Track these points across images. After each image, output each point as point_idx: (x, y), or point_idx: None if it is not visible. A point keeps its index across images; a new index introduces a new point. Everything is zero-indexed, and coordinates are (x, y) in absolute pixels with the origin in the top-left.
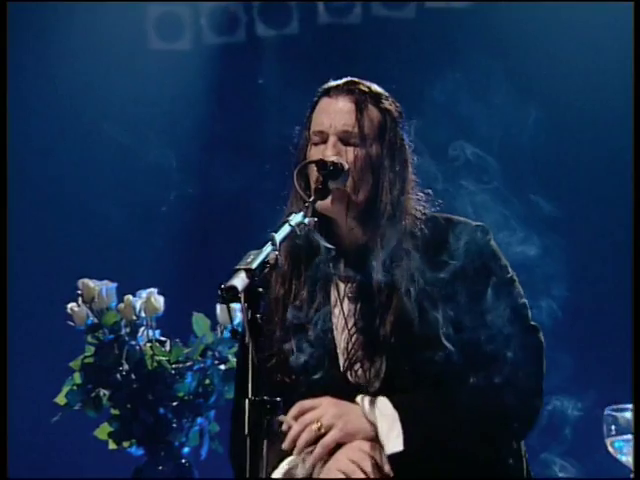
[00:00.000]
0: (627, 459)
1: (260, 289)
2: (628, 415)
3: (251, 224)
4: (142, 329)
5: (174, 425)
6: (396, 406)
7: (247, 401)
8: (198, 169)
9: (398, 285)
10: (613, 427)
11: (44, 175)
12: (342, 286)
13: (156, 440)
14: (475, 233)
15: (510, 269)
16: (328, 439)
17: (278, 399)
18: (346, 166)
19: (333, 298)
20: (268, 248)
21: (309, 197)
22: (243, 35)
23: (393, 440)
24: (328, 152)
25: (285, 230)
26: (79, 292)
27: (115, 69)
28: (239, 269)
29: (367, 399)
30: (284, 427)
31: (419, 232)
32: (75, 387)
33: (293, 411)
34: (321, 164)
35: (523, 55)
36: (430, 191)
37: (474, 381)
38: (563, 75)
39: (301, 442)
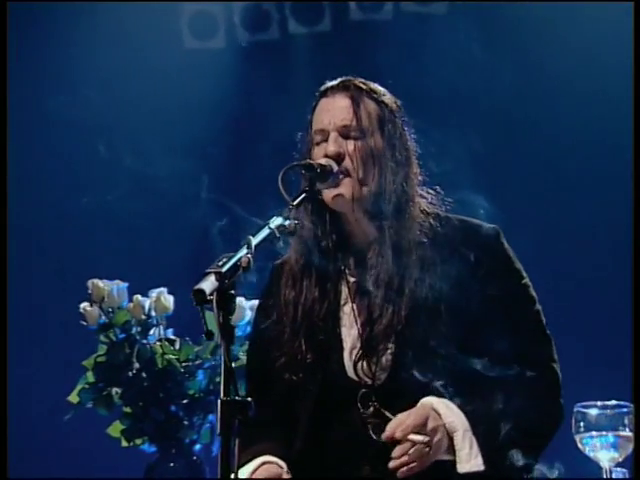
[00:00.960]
0: (595, 455)
1: (232, 292)
2: (594, 412)
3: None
4: (154, 328)
5: (185, 422)
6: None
7: (219, 402)
8: (225, 168)
9: (408, 281)
10: (582, 424)
11: (59, 174)
12: (353, 283)
13: (167, 437)
14: (489, 236)
15: (524, 273)
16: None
17: (249, 399)
18: (335, 168)
19: (344, 295)
20: (243, 251)
21: (293, 200)
22: (276, 33)
23: (474, 458)
24: (330, 147)
25: (263, 233)
26: (89, 292)
27: (151, 69)
28: (209, 272)
29: (445, 408)
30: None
31: (431, 230)
32: (87, 385)
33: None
34: (308, 167)
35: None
36: (439, 188)
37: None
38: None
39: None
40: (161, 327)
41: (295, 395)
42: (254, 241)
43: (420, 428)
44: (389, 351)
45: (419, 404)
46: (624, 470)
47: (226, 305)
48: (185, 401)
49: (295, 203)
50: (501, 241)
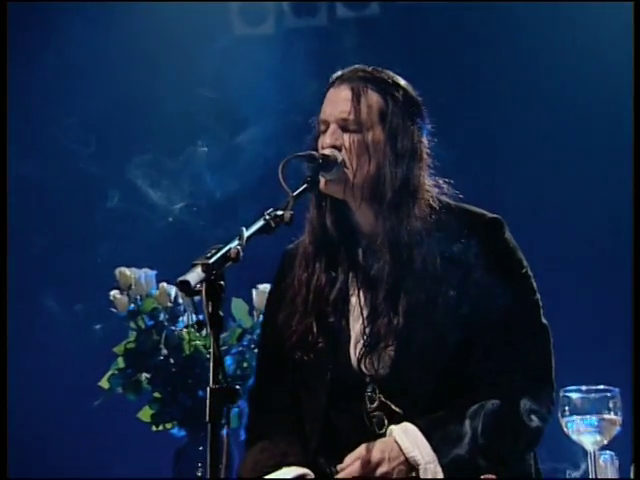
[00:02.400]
0: (579, 438)
1: (222, 282)
2: (578, 396)
3: (298, 212)
4: (183, 315)
5: None
6: (434, 449)
7: (208, 389)
8: (271, 154)
9: (411, 274)
10: (567, 408)
11: (93, 169)
12: (360, 274)
13: (196, 422)
14: (490, 226)
15: (525, 263)
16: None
17: (237, 387)
18: (339, 158)
19: (352, 285)
20: (234, 242)
21: (293, 191)
22: (324, 18)
23: None
24: (326, 140)
25: (257, 224)
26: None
27: (201, 56)
28: (196, 264)
29: (408, 442)
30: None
31: (434, 220)
32: (117, 371)
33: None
34: (309, 157)
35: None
36: (451, 180)
37: (484, 379)
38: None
39: None
40: (190, 313)
41: (308, 380)
42: (246, 233)
43: (380, 463)
44: (391, 348)
45: (387, 437)
46: (612, 453)
47: (215, 295)
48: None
49: (295, 194)
50: (502, 231)
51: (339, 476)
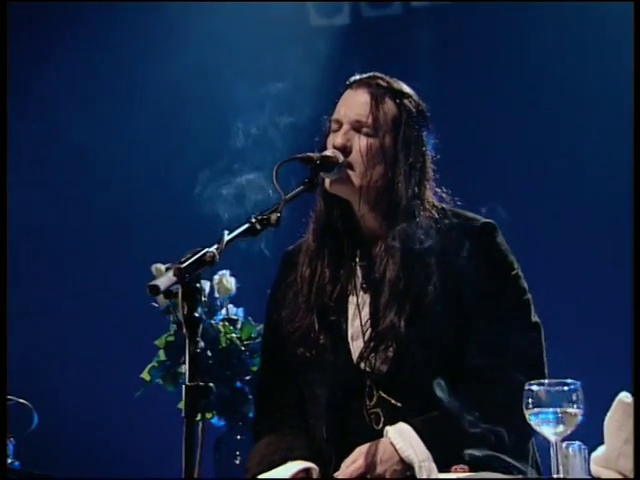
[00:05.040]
0: (540, 429)
1: (198, 285)
2: (540, 389)
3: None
4: (221, 309)
5: (250, 397)
6: (429, 448)
7: (184, 387)
8: None
9: (411, 278)
10: (530, 400)
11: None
12: (360, 275)
13: (234, 412)
14: (482, 230)
15: (516, 265)
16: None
17: (211, 384)
18: (341, 158)
19: (351, 286)
20: (212, 247)
21: (286, 194)
22: (399, 7)
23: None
24: (338, 139)
25: (241, 228)
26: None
27: (276, 47)
28: (168, 268)
29: (402, 442)
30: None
31: (433, 226)
32: (157, 364)
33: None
34: (306, 159)
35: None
36: (449, 190)
37: (478, 375)
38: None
39: None
40: (229, 307)
41: (309, 376)
42: (227, 237)
43: (375, 465)
44: (390, 346)
45: (383, 438)
46: (580, 443)
47: (190, 298)
48: (248, 377)
49: (288, 197)
50: (494, 235)
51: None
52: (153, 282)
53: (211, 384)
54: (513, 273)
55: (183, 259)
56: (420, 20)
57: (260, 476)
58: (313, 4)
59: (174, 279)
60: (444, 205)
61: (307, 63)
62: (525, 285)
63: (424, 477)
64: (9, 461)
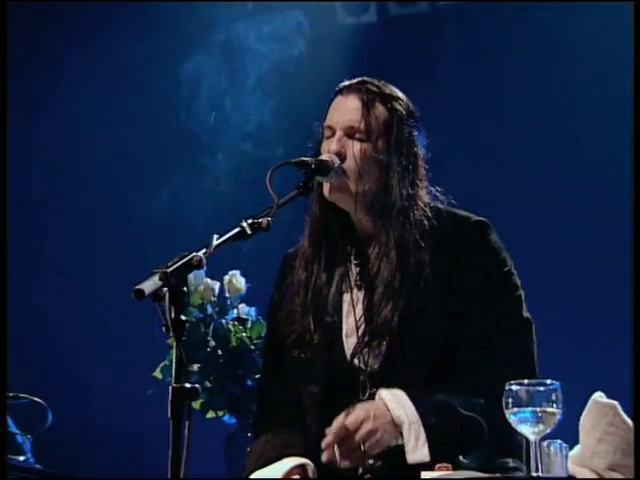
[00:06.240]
0: (520, 428)
1: (185, 288)
2: (518, 389)
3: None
4: (232, 308)
5: None
6: (420, 413)
7: (170, 388)
8: None
9: (405, 276)
10: (510, 400)
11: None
12: (354, 273)
13: (244, 410)
14: (475, 228)
15: (508, 262)
16: (371, 451)
17: (197, 386)
18: (337, 162)
19: (345, 285)
20: (201, 251)
21: (279, 198)
22: (425, 6)
23: (420, 452)
24: (332, 146)
25: (232, 232)
26: None
27: (304, 46)
28: (154, 272)
29: (394, 402)
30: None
31: (427, 225)
32: (169, 362)
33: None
34: (301, 164)
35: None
36: (441, 189)
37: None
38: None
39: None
40: (241, 307)
41: (305, 375)
42: (215, 241)
43: (365, 420)
44: (384, 343)
45: (376, 398)
46: (561, 442)
47: (177, 301)
48: (258, 376)
49: (282, 201)
50: (486, 233)
51: (328, 435)
52: (138, 286)
53: (197, 385)
54: (505, 269)
55: (170, 263)
56: (446, 19)
57: (256, 473)
58: (341, 3)
59: (159, 283)
60: (438, 204)
61: (335, 61)
62: (517, 282)
63: (412, 439)
64: (23, 458)
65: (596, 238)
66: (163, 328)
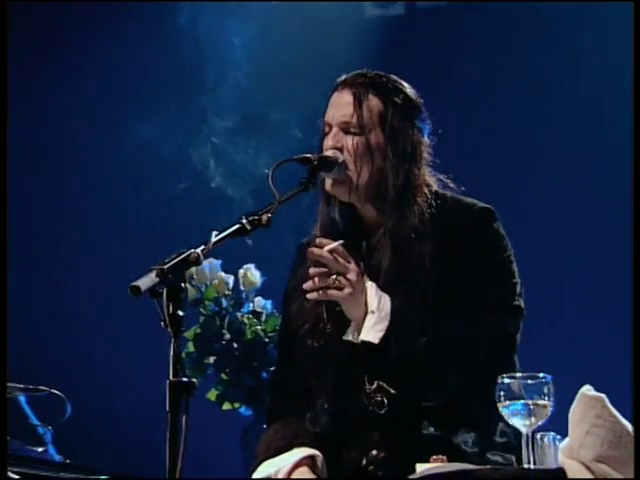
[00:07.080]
0: (511, 421)
1: (182, 284)
2: (510, 382)
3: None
4: (247, 301)
5: None
6: (392, 312)
7: (167, 382)
8: None
9: (407, 263)
10: (502, 393)
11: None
12: (363, 264)
13: (259, 401)
14: (480, 215)
15: (508, 249)
16: (335, 293)
17: (194, 380)
18: (340, 158)
19: None
20: (199, 247)
21: (280, 194)
22: None
23: (373, 333)
24: (328, 142)
25: (231, 228)
26: None
27: (330, 38)
28: (152, 269)
29: (377, 290)
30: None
31: (428, 212)
32: (185, 355)
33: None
34: (304, 160)
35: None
36: (450, 175)
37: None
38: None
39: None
40: (257, 300)
41: (317, 365)
42: (214, 238)
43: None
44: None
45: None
46: (554, 434)
47: (174, 297)
48: (273, 368)
49: (282, 198)
50: (491, 220)
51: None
52: (135, 283)
53: (194, 380)
54: (505, 255)
55: (167, 259)
56: (465, 14)
57: (266, 462)
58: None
59: (156, 280)
60: (445, 191)
61: (362, 53)
62: (515, 269)
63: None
64: (41, 449)
65: (596, 235)
66: (162, 323)
